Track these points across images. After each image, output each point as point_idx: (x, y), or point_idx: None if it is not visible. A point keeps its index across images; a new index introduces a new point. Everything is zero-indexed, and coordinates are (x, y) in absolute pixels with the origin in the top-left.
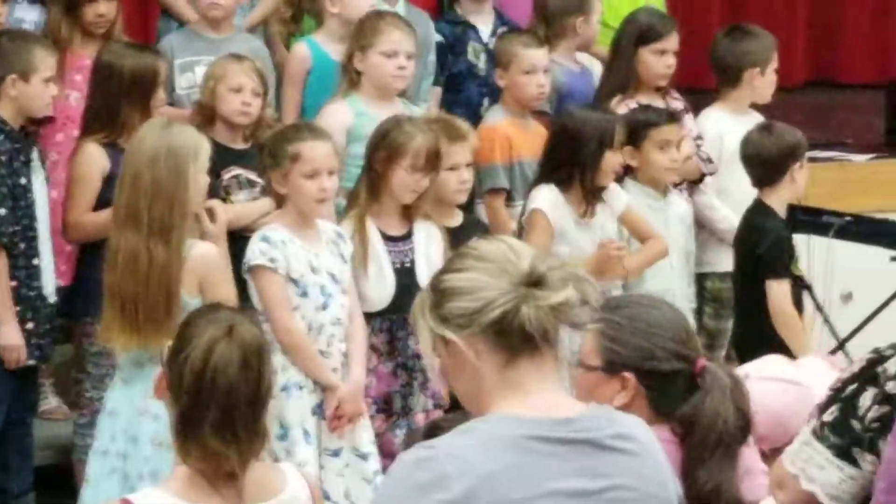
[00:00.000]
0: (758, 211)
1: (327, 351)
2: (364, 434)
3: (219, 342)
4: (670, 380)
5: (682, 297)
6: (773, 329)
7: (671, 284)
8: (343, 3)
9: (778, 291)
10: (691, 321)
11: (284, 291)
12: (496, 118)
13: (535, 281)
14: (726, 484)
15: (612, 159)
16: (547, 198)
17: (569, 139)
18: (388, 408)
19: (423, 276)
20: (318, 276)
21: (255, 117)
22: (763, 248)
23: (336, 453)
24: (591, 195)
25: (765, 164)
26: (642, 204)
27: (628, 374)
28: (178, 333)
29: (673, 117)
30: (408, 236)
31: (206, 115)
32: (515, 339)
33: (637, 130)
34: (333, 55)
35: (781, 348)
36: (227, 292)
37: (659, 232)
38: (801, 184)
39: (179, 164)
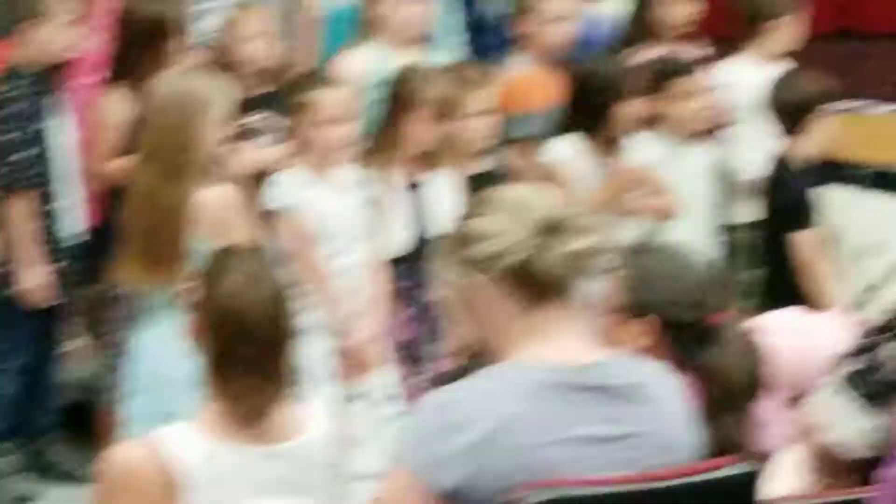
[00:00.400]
0: (780, 161)
1: (345, 297)
2: (386, 377)
3: (247, 280)
4: (691, 328)
5: (706, 247)
6: (799, 281)
7: (694, 234)
8: None
9: (803, 243)
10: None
11: (305, 232)
12: (523, 66)
13: (554, 227)
14: (738, 436)
15: (627, 108)
16: (566, 148)
17: (582, 88)
18: (411, 354)
19: (439, 224)
20: (334, 222)
21: (273, 63)
22: (786, 200)
23: (361, 395)
24: (608, 143)
25: (787, 114)
26: (665, 153)
27: (652, 318)
28: (203, 276)
29: (696, 67)
30: (425, 183)
31: (225, 61)
32: (535, 285)
33: (659, 80)
34: (354, 1)
35: (807, 300)
36: (241, 236)
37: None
38: (825, 134)
39: (195, 107)
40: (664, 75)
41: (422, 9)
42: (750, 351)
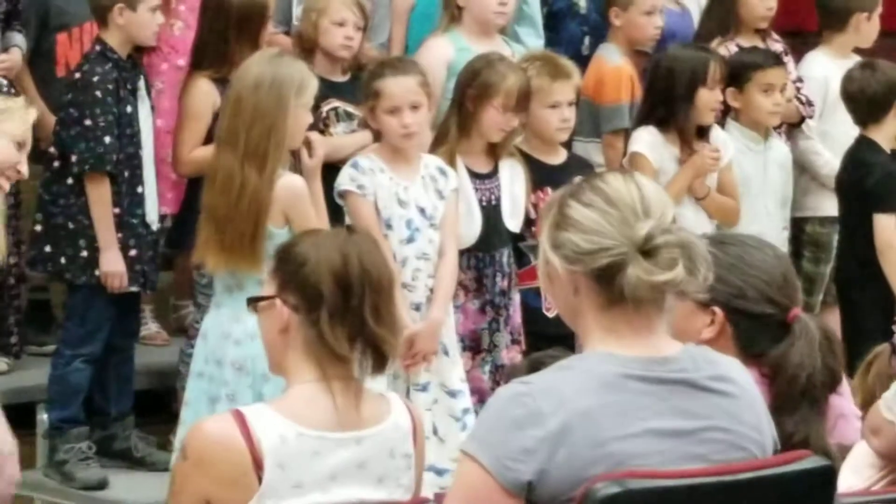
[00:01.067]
0: (862, 147)
1: (412, 285)
2: (454, 371)
3: (345, 239)
4: (759, 322)
5: (776, 242)
6: (880, 267)
7: (765, 228)
8: None
9: (886, 226)
10: None
11: (373, 216)
12: (615, 57)
13: (647, 250)
14: (811, 433)
15: (707, 97)
16: (646, 140)
17: (662, 78)
18: (476, 345)
19: (508, 214)
20: (405, 210)
21: (356, 51)
22: (871, 182)
23: (424, 388)
24: (688, 133)
25: (869, 101)
26: (742, 146)
27: (718, 309)
28: (290, 255)
29: (778, 60)
30: (493, 173)
31: (306, 47)
32: (616, 291)
33: (741, 72)
34: None
35: (888, 287)
36: (314, 224)
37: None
38: None
39: (282, 92)
40: (746, 67)
41: None
42: (823, 350)
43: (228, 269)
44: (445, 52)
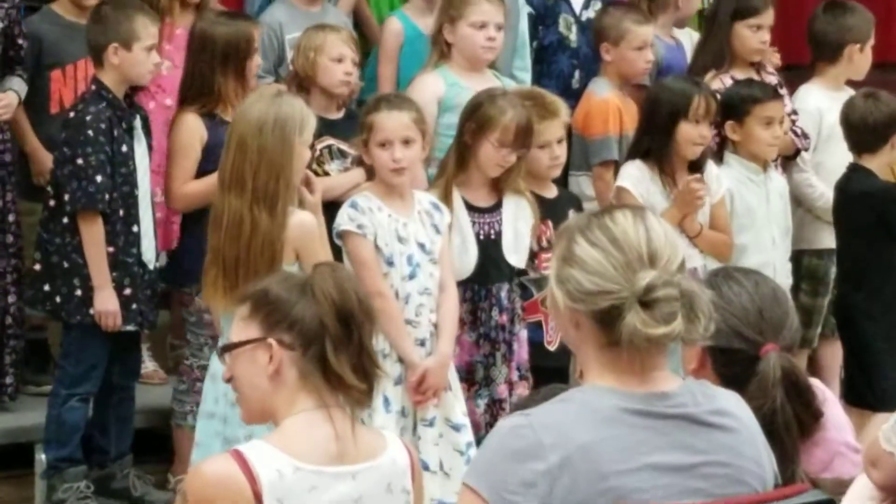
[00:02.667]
0: (858, 175)
1: (416, 320)
2: (457, 405)
3: (337, 273)
4: (731, 357)
5: (782, 272)
6: (883, 288)
7: (772, 258)
8: None
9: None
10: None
11: (374, 255)
12: (604, 91)
13: (647, 301)
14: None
15: (689, 131)
16: (631, 174)
17: (646, 110)
18: (471, 377)
19: (510, 249)
20: (405, 246)
21: (353, 86)
22: (883, 207)
23: (431, 423)
24: (670, 167)
25: (869, 131)
26: (744, 178)
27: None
28: (271, 297)
29: (776, 93)
30: (496, 208)
31: (302, 85)
32: (615, 334)
33: (740, 105)
34: (424, 29)
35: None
36: (323, 260)
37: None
38: None
39: (286, 133)
40: (746, 100)
41: (493, 34)
42: (788, 388)
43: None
44: (436, 88)
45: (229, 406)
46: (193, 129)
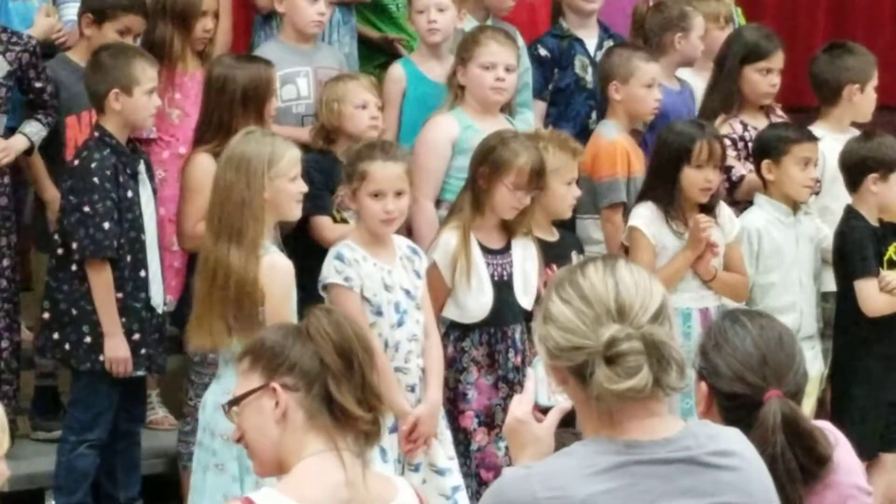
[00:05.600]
0: (845, 216)
1: (405, 367)
2: (440, 450)
3: (331, 314)
4: (733, 401)
5: (809, 316)
6: (869, 336)
7: (799, 301)
8: (427, 28)
9: (867, 290)
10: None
11: (360, 308)
12: (612, 132)
13: (610, 356)
14: None
15: (693, 175)
16: (642, 215)
17: (654, 153)
18: (490, 421)
19: (520, 291)
20: (391, 294)
21: (381, 129)
22: (846, 248)
23: (416, 468)
24: (676, 210)
25: (849, 169)
26: (773, 219)
27: (703, 384)
28: (266, 346)
29: (812, 136)
30: (506, 249)
31: (330, 138)
32: (591, 388)
33: (778, 145)
34: (428, 74)
35: (878, 357)
36: (284, 316)
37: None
38: (888, 197)
39: (251, 168)
40: (783, 141)
41: (502, 74)
42: (789, 434)
43: (220, 347)
44: (451, 130)
45: (209, 436)
46: (206, 168)
